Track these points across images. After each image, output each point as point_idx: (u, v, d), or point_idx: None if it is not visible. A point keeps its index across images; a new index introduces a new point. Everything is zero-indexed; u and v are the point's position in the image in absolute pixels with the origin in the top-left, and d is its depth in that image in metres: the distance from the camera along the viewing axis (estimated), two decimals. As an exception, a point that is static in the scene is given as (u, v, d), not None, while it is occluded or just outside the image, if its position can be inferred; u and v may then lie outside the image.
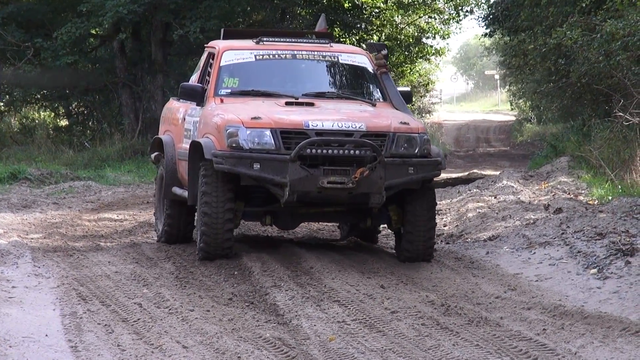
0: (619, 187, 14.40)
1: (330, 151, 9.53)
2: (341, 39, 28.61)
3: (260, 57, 10.84)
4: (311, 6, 29.71)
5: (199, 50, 25.69)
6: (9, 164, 21.08)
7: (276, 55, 10.88)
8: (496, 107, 69.26)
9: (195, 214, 10.45)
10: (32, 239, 11.75)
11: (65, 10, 26.56)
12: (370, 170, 9.51)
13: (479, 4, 33.66)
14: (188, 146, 10.35)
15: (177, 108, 11.39)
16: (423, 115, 42.79)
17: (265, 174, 9.50)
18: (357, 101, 10.69)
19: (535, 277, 9.41)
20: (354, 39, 29.94)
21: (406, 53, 34.09)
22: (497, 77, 64.10)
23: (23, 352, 6.77)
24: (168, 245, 11.09)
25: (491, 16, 27.05)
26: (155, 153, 11.65)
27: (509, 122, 47.93)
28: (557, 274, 9.37)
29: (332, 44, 11.22)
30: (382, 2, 31.56)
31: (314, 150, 9.50)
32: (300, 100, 10.36)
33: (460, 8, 34.11)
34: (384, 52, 11.17)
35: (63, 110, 29.36)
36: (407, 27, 34.20)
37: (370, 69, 11.04)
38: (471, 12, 34.33)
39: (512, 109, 50.08)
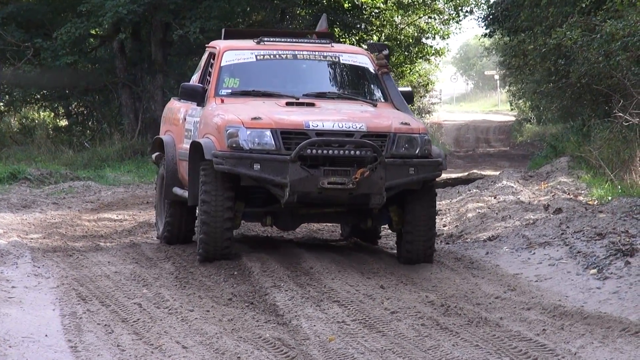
0: (619, 187, 14.40)
1: (330, 152, 9.51)
2: (341, 40, 28.62)
3: (261, 57, 10.82)
4: (311, 6, 29.72)
5: (198, 51, 25.79)
6: (9, 164, 21.08)
7: (277, 56, 10.86)
8: (496, 108, 69.24)
9: (196, 214, 10.44)
10: (31, 239, 11.74)
11: (65, 10, 26.56)
12: (371, 170, 9.49)
13: (479, 4, 33.69)
14: (188, 146, 10.34)
15: (177, 108, 11.38)
16: (423, 115, 42.79)
17: (266, 174, 9.47)
18: (358, 101, 10.66)
19: (535, 278, 9.41)
20: (353, 39, 29.95)
21: (406, 53, 34.11)
22: (496, 77, 64.11)
23: (23, 352, 6.77)
24: (168, 246, 11.09)
25: (491, 16, 27.04)
26: (156, 153, 11.64)
27: (509, 123, 47.92)
28: (556, 274, 9.37)
29: (333, 44, 11.19)
30: (382, 2, 31.57)
31: (314, 151, 9.47)
32: (301, 100, 10.33)
33: (460, 8, 34.13)
34: (385, 52, 11.15)
35: (63, 111, 29.37)
36: (407, 27, 34.21)
37: (371, 69, 11.02)
38: (471, 12, 34.37)
39: (511, 109, 50.08)
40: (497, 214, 13.27)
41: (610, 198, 13.54)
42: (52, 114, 29.65)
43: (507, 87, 50.62)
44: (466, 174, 22.76)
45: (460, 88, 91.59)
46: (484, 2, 32.28)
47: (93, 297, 8.52)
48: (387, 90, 10.85)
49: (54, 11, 26.64)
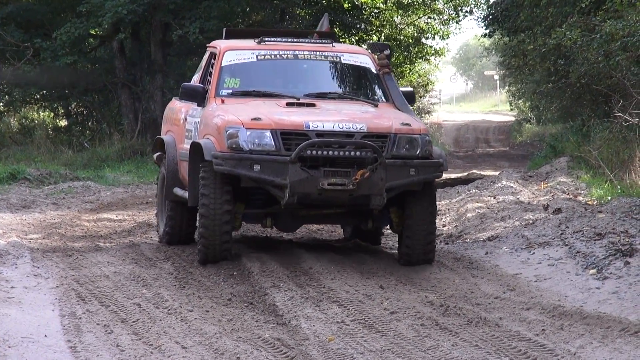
0: (618, 187, 14.40)
1: (330, 152, 9.46)
2: (340, 40, 28.61)
3: (262, 57, 10.78)
4: (311, 6, 29.72)
5: (198, 51, 25.82)
6: (8, 164, 21.08)
7: (278, 56, 10.81)
8: (495, 108, 69.25)
9: (197, 215, 10.41)
10: (31, 239, 11.74)
11: (65, 10, 26.56)
12: (371, 171, 9.43)
13: (479, 4, 33.69)
14: (189, 147, 10.31)
15: (179, 108, 11.34)
16: (422, 115, 42.77)
17: (266, 175, 9.43)
18: (359, 102, 10.63)
19: (534, 278, 9.41)
20: (353, 40, 29.96)
21: (405, 53, 34.11)
22: (496, 77, 64.12)
23: (22, 352, 6.77)
24: (167, 246, 11.08)
25: (490, 16, 27.05)
26: (158, 153, 11.61)
27: (509, 123, 47.92)
28: (556, 274, 9.37)
29: (334, 44, 11.14)
30: (381, 2, 31.58)
31: (314, 152, 9.43)
32: (301, 100, 10.29)
33: (459, 8, 34.12)
34: (387, 52, 11.08)
35: (62, 111, 29.37)
36: (406, 27, 34.21)
37: (372, 69, 10.97)
38: (470, 12, 34.36)
39: (511, 110, 50.09)
40: (496, 214, 13.27)
41: (609, 198, 13.53)
42: (52, 114, 29.64)
43: (506, 87, 50.63)
44: (466, 174, 22.75)
45: (460, 88, 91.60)
46: (483, 2, 32.30)
47: (92, 297, 8.52)
48: (388, 91, 10.79)
49: (54, 11, 26.64)
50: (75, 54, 25.56)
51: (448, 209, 15.02)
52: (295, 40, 11.15)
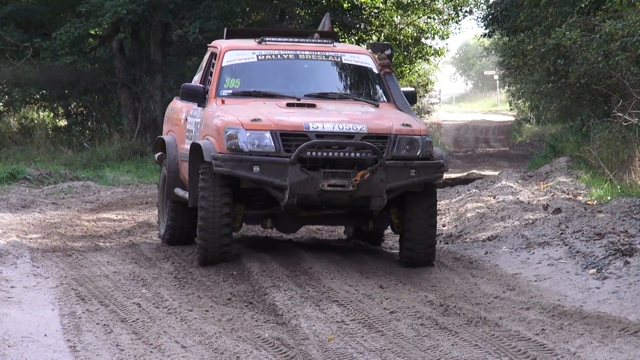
0: (618, 187, 14.41)
1: (330, 154, 9.40)
2: (340, 39, 28.59)
3: (263, 57, 10.73)
4: (310, 6, 29.72)
5: (198, 51, 25.83)
6: (8, 164, 21.07)
7: (278, 56, 10.76)
8: (495, 108, 69.25)
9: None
10: (31, 239, 11.74)
11: (64, 10, 26.56)
12: (371, 173, 9.37)
13: (478, 4, 33.71)
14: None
15: (180, 108, 11.30)
16: (422, 115, 42.79)
17: (265, 176, 9.37)
18: (359, 102, 10.57)
19: (534, 277, 9.41)
20: (353, 39, 29.95)
21: (405, 53, 34.11)
22: (496, 77, 64.13)
23: (22, 352, 6.77)
24: (167, 246, 11.07)
25: (490, 16, 27.06)
26: (159, 153, 11.58)
27: (508, 123, 47.92)
28: (556, 274, 9.37)
29: (335, 44, 11.08)
30: (381, 2, 31.58)
31: (314, 153, 9.37)
32: (302, 101, 10.24)
33: (459, 8, 34.14)
34: (388, 52, 11.00)
35: (62, 111, 29.36)
36: (406, 27, 34.22)
37: (374, 69, 10.90)
38: (470, 12, 34.37)
39: (511, 109, 50.09)
40: (496, 213, 13.27)
41: (609, 198, 13.54)
42: (52, 114, 29.64)
43: (506, 87, 50.63)
44: (465, 174, 22.76)
45: (460, 88, 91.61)
46: (483, 2, 32.32)
47: (92, 297, 8.52)
48: (389, 91, 10.73)
49: (53, 11, 26.64)
50: (75, 53, 25.56)
51: (448, 209, 15.02)
52: (296, 40, 11.09)
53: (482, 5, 32.87)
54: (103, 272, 9.60)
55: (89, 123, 28.75)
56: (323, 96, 10.55)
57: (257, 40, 10.94)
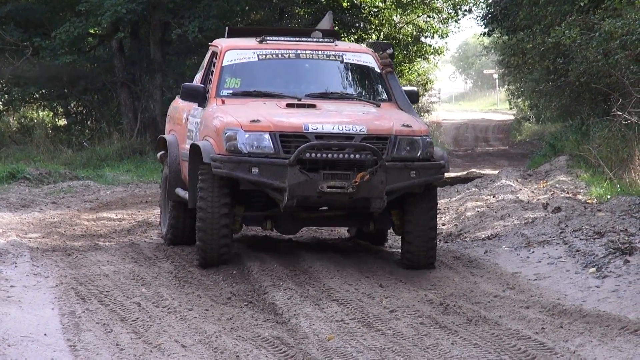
0: (618, 186, 14.41)
1: (330, 155, 9.30)
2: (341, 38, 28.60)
3: (263, 56, 10.63)
4: (310, 5, 29.72)
5: (197, 50, 25.85)
6: (8, 163, 21.07)
7: (279, 55, 10.66)
8: (495, 106, 69.30)
9: None
10: (30, 238, 11.74)
11: (64, 9, 26.57)
12: (371, 174, 9.28)
13: (478, 3, 33.72)
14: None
15: (182, 107, 11.19)
16: (422, 114, 42.82)
17: (264, 178, 9.28)
18: (361, 102, 10.48)
19: (534, 276, 9.41)
20: (352, 38, 29.95)
21: (405, 52, 34.11)
22: (495, 76, 64.19)
23: (22, 351, 6.76)
24: (167, 245, 11.06)
25: (490, 15, 27.08)
26: (161, 152, 11.53)
27: (508, 121, 47.94)
28: (555, 272, 9.37)
29: (337, 43, 10.97)
30: (380, 1, 31.57)
31: (313, 154, 9.28)
32: (302, 101, 10.14)
33: (458, 7, 34.13)
34: (390, 51, 10.88)
35: (62, 110, 29.37)
36: (405, 26, 34.21)
37: (376, 68, 10.80)
38: (470, 11, 34.36)
39: (510, 108, 50.14)
40: (496, 212, 13.27)
41: (609, 197, 13.54)
42: (51, 113, 29.65)
43: (506, 86, 50.69)
44: (465, 172, 22.77)
45: (459, 87, 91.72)
46: (482, 1, 32.32)
47: (92, 296, 8.52)
48: (391, 90, 10.62)
49: (53, 10, 26.65)
50: (75, 53, 25.57)
51: (447, 208, 15.03)
52: (297, 39, 10.99)
53: (481, 4, 32.89)
54: (103, 271, 9.60)
55: (89, 122, 28.76)
56: (324, 96, 10.46)
57: (258, 40, 10.83)
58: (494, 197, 14.98)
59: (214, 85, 10.44)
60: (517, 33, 23.78)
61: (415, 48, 34.37)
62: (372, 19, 31.92)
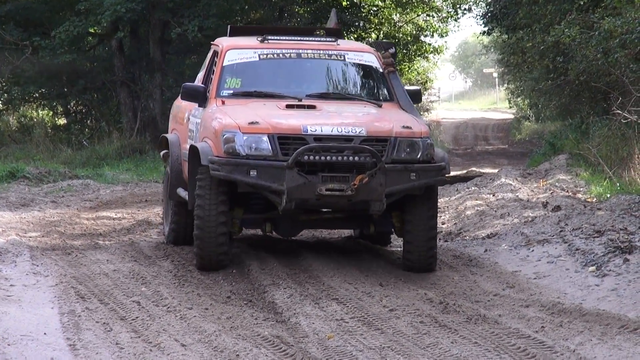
0: (617, 184, 14.42)
1: (329, 157, 9.19)
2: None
3: (264, 56, 10.52)
4: (309, 4, 29.71)
5: (197, 49, 25.85)
6: (8, 162, 21.07)
7: (280, 55, 10.55)
8: (494, 105, 69.31)
9: None
10: (30, 237, 11.74)
11: (64, 8, 26.56)
12: (370, 177, 9.17)
13: (477, 1, 33.72)
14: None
15: (184, 107, 11.07)
16: (421, 113, 42.81)
17: (262, 181, 9.17)
18: (362, 102, 10.34)
19: (533, 275, 9.41)
20: (352, 37, 29.94)
21: (404, 51, 34.09)
22: (495, 75, 64.19)
23: (21, 350, 6.77)
24: (167, 244, 11.05)
25: (489, 14, 27.06)
26: (164, 151, 11.47)
27: (508, 120, 47.95)
28: (555, 271, 9.37)
29: (339, 42, 10.84)
30: (380, 0, 31.57)
31: (312, 157, 9.17)
32: (303, 102, 10.03)
33: (458, 6, 34.12)
34: (392, 50, 10.74)
35: (61, 109, 29.38)
36: (405, 25, 34.20)
37: (378, 67, 10.69)
38: (469, 10, 34.36)
39: (510, 107, 50.16)
40: (495, 211, 13.27)
41: (608, 195, 13.55)
42: (51, 112, 29.65)
43: (505, 85, 50.70)
44: (465, 171, 22.78)
45: (459, 86, 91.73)
46: (482, -1, 32.31)
47: (92, 295, 8.52)
48: (393, 90, 10.51)
49: (52, 10, 26.63)
50: (74, 52, 25.56)
51: (447, 207, 15.03)
52: (298, 38, 10.89)
53: (481, 2, 32.88)
54: (102, 270, 9.60)
55: (88, 121, 28.77)
56: (325, 96, 10.34)
57: (259, 39, 10.73)
58: (493, 195, 14.99)
59: (214, 85, 10.35)
60: (516, 32, 23.79)
61: (414, 47, 34.36)
62: (372, 17, 31.91)
